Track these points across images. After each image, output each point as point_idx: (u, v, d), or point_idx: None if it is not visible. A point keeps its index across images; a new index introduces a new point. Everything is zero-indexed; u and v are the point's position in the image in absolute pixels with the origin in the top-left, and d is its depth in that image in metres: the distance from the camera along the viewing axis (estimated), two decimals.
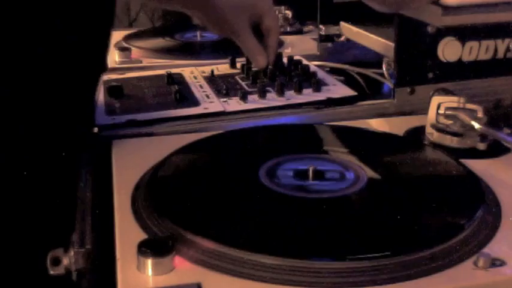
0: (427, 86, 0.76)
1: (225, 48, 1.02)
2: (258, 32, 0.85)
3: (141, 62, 0.99)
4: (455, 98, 0.66)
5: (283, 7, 1.20)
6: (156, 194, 0.54)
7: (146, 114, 0.75)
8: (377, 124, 0.74)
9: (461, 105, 0.65)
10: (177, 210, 0.51)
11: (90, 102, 0.64)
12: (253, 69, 0.90)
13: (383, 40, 0.86)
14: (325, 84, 0.85)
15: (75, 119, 0.61)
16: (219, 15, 0.80)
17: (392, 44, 0.78)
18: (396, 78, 0.78)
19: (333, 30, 1.02)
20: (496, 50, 0.77)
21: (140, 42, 1.08)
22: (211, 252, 0.45)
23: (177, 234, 0.47)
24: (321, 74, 0.90)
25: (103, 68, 0.64)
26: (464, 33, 0.76)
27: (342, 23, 1.01)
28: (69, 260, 0.48)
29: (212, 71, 0.91)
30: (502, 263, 0.45)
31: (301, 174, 0.57)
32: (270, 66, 0.86)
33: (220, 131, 0.70)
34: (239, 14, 0.79)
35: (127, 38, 1.10)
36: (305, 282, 0.43)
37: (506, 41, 0.77)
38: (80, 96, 0.61)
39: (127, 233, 0.49)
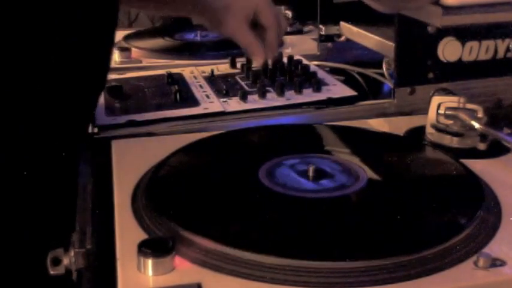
0: (427, 86, 0.76)
1: (225, 48, 1.02)
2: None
3: (141, 62, 1.00)
4: (455, 98, 0.66)
5: (283, 7, 1.20)
6: (156, 194, 0.54)
7: (146, 114, 0.75)
8: (377, 124, 0.74)
9: (461, 105, 0.65)
10: (177, 210, 0.51)
11: (92, 103, 0.64)
12: (253, 68, 0.90)
13: (383, 40, 0.86)
14: (325, 84, 0.85)
15: (76, 119, 0.61)
16: (215, 17, 0.81)
17: (392, 44, 0.78)
18: (396, 78, 0.78)
19: (333, 30, 1.02)
20: (496, 50, 0.77)
21: (140, 42, 1.08)
22: (211, 252, 0.45)
23: (177, 234, 0.47)
24: (321, 74, 0.90)
25: (105, 69, 0.64)
26: (464, 33, 0.76)
27: (342, 23, 1.01)
28: (69, 260, 0.48)
29: (212, 71, 0.91)
30: (503, 263, 0.45)
31: (301, 174, 0.57)
32: (269, 63, 0.87)
33: (220, 131, 0.70)
34: (234, 13, 0.80)
35: (127, 38, 1.10)
36: (305, 282, 0.43)
37: (506, 41, 0.77)
38: (80, 97, 0.61)
39: (127, 233, 0.49)
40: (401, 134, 0.70)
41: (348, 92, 0.83)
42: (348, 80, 0.91)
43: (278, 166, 0.59)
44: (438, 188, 0.56)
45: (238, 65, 0.94)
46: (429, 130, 0.67)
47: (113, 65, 0.96)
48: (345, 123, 0.73)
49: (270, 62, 0.87)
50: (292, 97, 0.81)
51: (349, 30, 0.98)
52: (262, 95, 0.80)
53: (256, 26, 0.83)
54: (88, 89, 0.61)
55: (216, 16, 0.81)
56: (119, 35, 1.11)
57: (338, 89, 0.84)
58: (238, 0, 0.81)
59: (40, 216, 0.58)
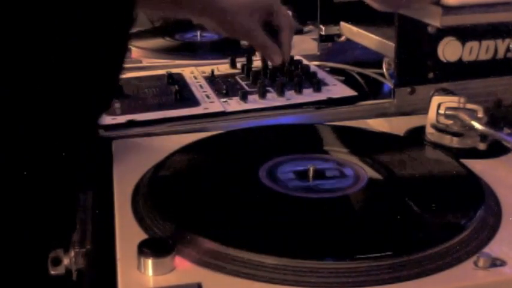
0: (427, 86, 0.76)
1: (225, 48, 1.02)
2: (273, 30, 0.85)
3: (141, 62, 0.99)
4: (455, 98, 0.66)
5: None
6: (156, 194, 0.54)
7: (146, 114, 0.75)
8: (377, 124, 0.74)
9: (461, 105, 0.65)
10: (177, 210, 0.51)
11: (97, 105, 0.64)
12: (253, 69, 0.90)
13: (383, 40, 0.86)
14: (326, 84, 0.85)
15: (78, 120, 0.61)
16: (228, 18, 0.80)
17: (392, 44, 0.78)
18: (396, 78, 0.78)
19: (333, 30, 1.02)
20: (496, 50, 0.77)
21: (140, 42, 1.08)
22: (211, 252, 0.45)
23: (177, 234, 0.47)
24: (321, 74, 0.90)
25: (113, 71, 0.64)
26: (464, 33, 0.76)
27: (342, 23, 1.01)
28: (69, 260, 0.48)
29: (212, 71, 0.91)
30: (503, 263, 0.45)
31: (302, 174, 0.57)
32: (286, 64, 0.87)
33: (220, 131, 0.70)
34: (248, 14, 0.80)
35: None
36: (305, 282, 0.43)
37: (506, 41, 0.77)
38: (83, 98, 0.60)
39: (127, 233, 0.49)
40: (401, 134, 0.70)
41: (348, 92, 0.83)
42: (348, 80, 0.91)
43: (278, 166, 0.59)
44: (438, 188, 0.56)
45: (238, 65, 0.94)
46: (429, 130, 0.68)
47: None
48: (345, 123, 0.73)
49: (285, 62, 0.87)
50: (292, 97, 0.81)
51: (349, 30, 0.98)
52: (262, 95, 0.80)
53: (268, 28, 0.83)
54: (91, 90, 0.61)
55: (225, 17, 0.80)
56: None
57: (338, 89, 0.84)
58: (251, 1, 0.80)
59: (40, 216, 0.58)
